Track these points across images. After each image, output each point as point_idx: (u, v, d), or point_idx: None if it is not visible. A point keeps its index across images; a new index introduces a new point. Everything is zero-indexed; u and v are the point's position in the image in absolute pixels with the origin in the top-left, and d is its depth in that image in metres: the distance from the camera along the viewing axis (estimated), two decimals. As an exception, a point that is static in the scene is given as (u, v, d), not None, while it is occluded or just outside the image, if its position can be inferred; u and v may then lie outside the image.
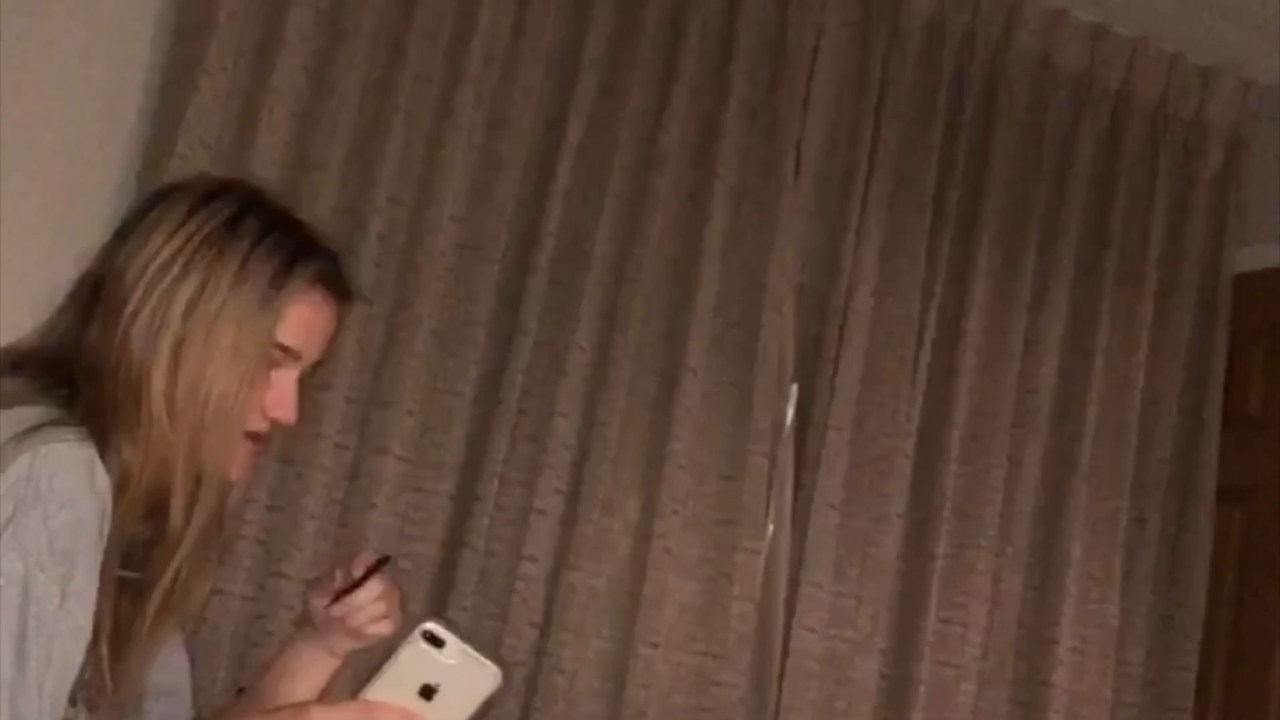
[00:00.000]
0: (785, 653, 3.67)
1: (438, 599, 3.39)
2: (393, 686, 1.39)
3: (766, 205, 3.74)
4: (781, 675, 3.66)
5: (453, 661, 1.38)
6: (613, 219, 3.60)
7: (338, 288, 1.64)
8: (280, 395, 1.59)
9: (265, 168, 3.23)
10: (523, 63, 3.59)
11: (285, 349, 1.57)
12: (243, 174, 2.94)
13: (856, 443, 3.77)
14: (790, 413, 3.85)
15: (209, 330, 1.51)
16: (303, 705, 1.45)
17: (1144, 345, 4.07)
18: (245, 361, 1.52)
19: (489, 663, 1.40)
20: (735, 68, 3.74)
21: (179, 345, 1.50)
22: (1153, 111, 4.19)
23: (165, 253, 1.52)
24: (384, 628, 1.79)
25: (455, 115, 3.49)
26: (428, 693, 1.38)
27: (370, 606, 1.77)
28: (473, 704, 1.41)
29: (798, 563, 3.70)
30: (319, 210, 3.25)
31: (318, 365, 1.67)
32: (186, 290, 1.51)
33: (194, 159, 3.17)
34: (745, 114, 3.75)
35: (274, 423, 1.61)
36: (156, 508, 1.50)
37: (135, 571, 1.51)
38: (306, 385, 1.64)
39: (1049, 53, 4.09)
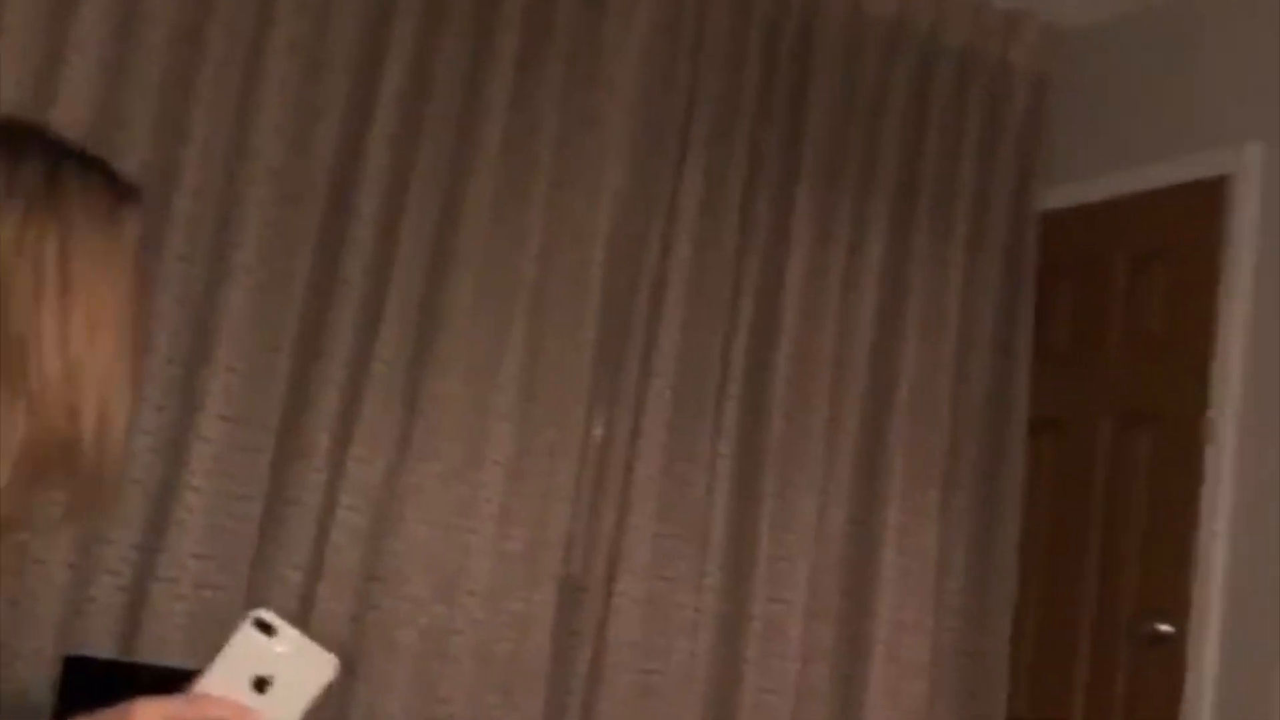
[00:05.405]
0: (609, 595, 3.71)
1: (264, 556, 3.36)
2: (225, 677, 1.34)
3: (589, 154, 3.75)
4: (610, 619, 3.70)
5: (286, 650, 1.34)
6: (434, 166, 3.58)
7: (135, 192, 1.66)
8: None
9: (70, 126, 3.13)
10: (335, 7, 3.53)
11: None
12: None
13: (680, 388, 3.82)
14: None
15: (88, 273, 1.50)
16: (129, 702, 1.42)
17: (957, 284, 4.18)
18: (129, 287, 1.53)
19: (324, 651, 1.35)
20: (555, 14, 3.73)
21: (64, 295, 1.49)
22: (960, 56, 4.29)
23: (11, 219, 1.50)
24: None
25: (267, 64, 3.43)
26: (261, 684, 1.35)
27: None
28: (308, 694, 1.36)
29: (624, 506, 3.74)
30: (129, 166, 3.16)
31: None
32: (51, 246, 1.50)
33: (-6, 116, 3.05)
34: (564, 60, 3.75)
35: None
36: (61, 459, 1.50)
37: None
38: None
39: (860, -1, 4.16)
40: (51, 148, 1.56)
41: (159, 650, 3.18)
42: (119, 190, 1.56)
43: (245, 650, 1.35)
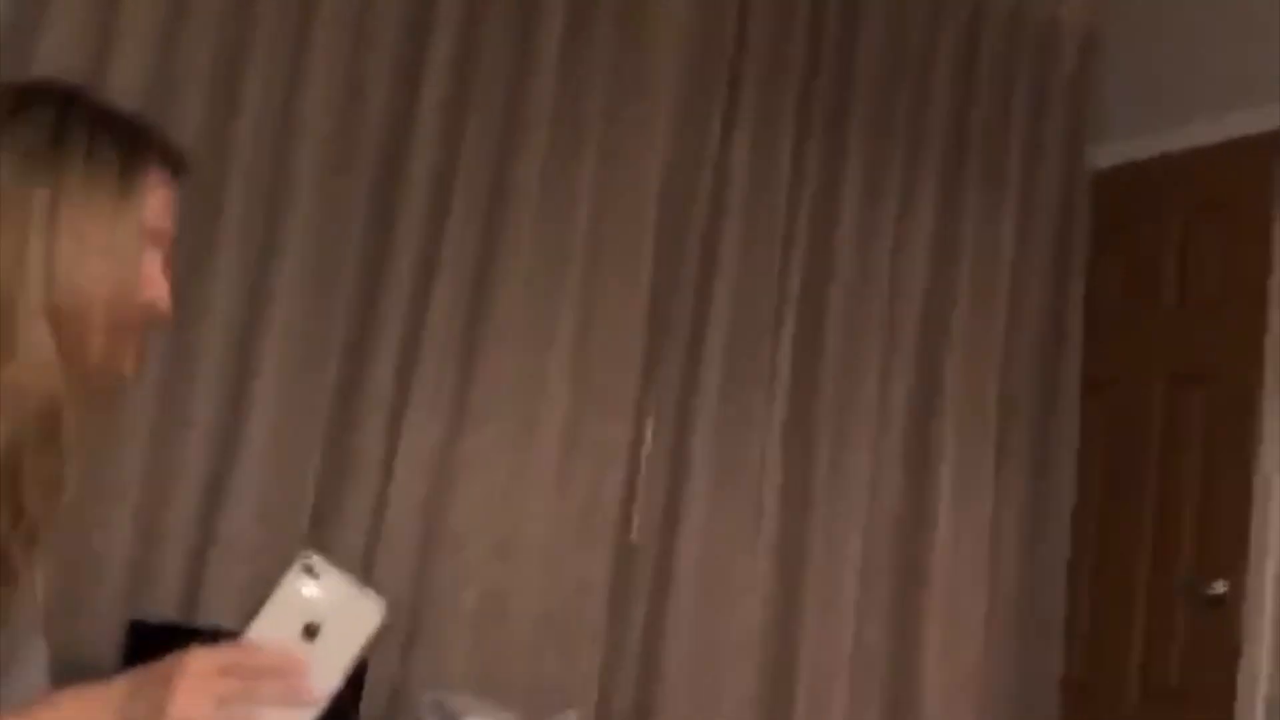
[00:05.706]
0: (670, 556, 3.72)
1: (322, 521, 3.40)
2: (274, 625, 1.31)
3: (639, 116, 3.75)
4: (668, 581, 3.72)
5: (334, 596, 1.31)
6: (484, 132, 3.60)
7: (175, 160, 1.61)
8: (153, 277, 1.56)
9: (123, 96, 3.15)
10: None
11: (154, 231, 1.54)
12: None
13: (732, 351, 3.82)
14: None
15: (79, 236, 1.47)
16: (182, 652, 1.39)
17: (1008, 245, 4.16)
18: (124, 254, 1.49)
19: (373, 596, 1.34)
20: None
21: (50, 260, 1.46)
22: (1009, 14, 4.25)
23: (2, 175, 1.48)
24: None
25: (315, 34, 3.45)
26: (311, 631, 1.34)
27: None
28: (358, 640, 1.33)
29: (679, 469, 3.75)
30: (182, 137, 3.17)
31: (174, 244, 1.63)
32: (40, 204, 1.47)
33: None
34: (612, 22, 3.75)
35: (150, 308, 1.57)
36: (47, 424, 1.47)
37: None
38: (173, 265, 1.61)
39: (907, -43, 4.13)
40: (69, 108, 1.53)
41: (219, 615, 3.21)
42: (138, 152, 1.53)
43: (294, 597, 1.32)
